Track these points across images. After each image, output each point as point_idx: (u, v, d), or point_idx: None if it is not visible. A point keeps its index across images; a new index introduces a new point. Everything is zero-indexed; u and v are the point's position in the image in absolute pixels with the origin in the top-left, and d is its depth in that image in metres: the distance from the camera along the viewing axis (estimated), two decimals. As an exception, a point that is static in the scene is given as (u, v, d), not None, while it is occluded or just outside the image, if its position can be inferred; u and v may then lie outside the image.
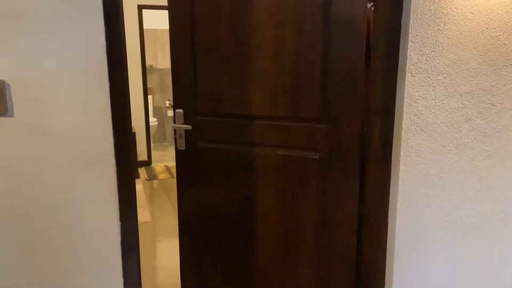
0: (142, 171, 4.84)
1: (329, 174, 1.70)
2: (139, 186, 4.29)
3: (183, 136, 1.89)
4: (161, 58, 6.50)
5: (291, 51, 1.69)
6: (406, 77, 1.46)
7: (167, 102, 6.50)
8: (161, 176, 4.65)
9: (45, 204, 1.44)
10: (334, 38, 1.59)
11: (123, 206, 1.52)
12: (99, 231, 1.50)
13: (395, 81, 1.51)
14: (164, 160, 5.49)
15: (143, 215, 3.52)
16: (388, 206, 1.60)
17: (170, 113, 6.51)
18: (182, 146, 1.90)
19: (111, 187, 1.47)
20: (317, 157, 1.72)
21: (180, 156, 1.94)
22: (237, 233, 1.92)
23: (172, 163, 5.23)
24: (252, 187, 1.85)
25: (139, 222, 3.35)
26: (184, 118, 1.87)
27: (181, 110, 1.87)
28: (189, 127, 1.87)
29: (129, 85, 1.52)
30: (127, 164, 1.52)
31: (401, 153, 1.52)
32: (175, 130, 1.90)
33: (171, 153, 5.93)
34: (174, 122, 1.89)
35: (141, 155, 5.05)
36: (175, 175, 4.47)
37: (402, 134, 1.50)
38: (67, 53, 1.37)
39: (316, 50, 1.63)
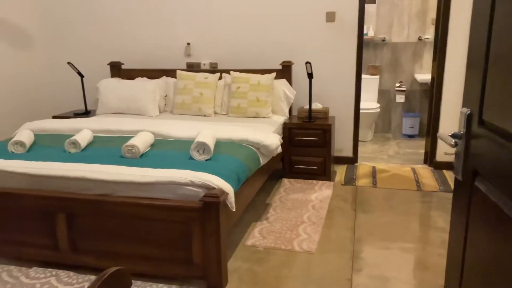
0: (341, 171, 3.93)
1: None
2: (327, 191, 3.42)
3: (462, 157, 1.22)
4: (397, 29, 5.25)
5: None
6: None
7: (397, 85, 5.26)
8: (360, 182, 3.63)
9: None
10: None
11: None
12: None
13: None
14: (376, 158, 4.38)
15: (310, 238, 2.65)
16: None
17: (399, 98, 5.26)
18: (457, 173, 1.28)
19: None
20: None
21: (456, 184, 1.35)
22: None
23: (384, 165, 4.09)
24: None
25: (299, 249, 2.53)
26: (467, 125, 1.19)
27: (467, 109, 1.21)
28: (451, 140, 1.22)
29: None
30: None
31: None
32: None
33: (388, 149, 4.75)
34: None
35: (345, 150, 4.13)
36: (378, 183, 3.39)
37: None
38: None
39: None
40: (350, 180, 3.67)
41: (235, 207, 2.19)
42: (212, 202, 2.03)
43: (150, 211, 2.13)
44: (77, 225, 2.25)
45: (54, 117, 4.12)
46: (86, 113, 4.20)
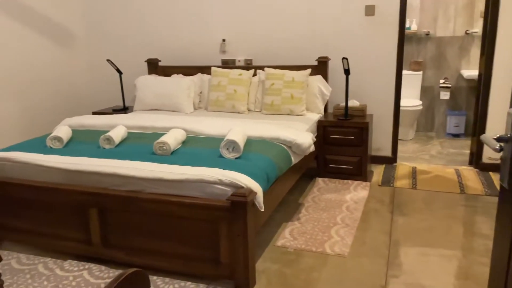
0: (378, 171, 3.78)
1: None
2: (363, 192, 3.30)
3: (508, 162, 1.12)
4: (442, 23, 4.99)
5: None
6: None
7: (442, 81, 5.00)
8: (398, 183, 3.47)
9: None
10: None
11: None
12: None
13: None
14: (417, 158, 4.18)
15: (343, 241, 2.55)
16: None
17: (444, 95, 4.99)
18: (503, 180, 1.18)
19: None
20: None
21: (501, 192, 1.26)
22: None
23: (425, 166, 3.89)
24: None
25: (331, 252, 2.43)
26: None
27: None
28: (495, 144, 1.12)
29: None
30: None
31: None
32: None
33: (431, 149, 4.53)
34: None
35: (383, 149, 3.96)
36: (418, 185, 3.23)
37: None
38: None
39: None
40: (388, 181, 3.52)
41: (263, 207, 2.13)
42: (239, 201, 1.99)
43: (178, 209, 2.12)
44: (109, 220, 2.28)
45: (93, 113, 4.24)
46: (124, 109, 4.28)
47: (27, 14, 3.96)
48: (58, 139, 2.73)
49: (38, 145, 2.75)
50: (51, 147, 2.71)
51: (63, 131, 2.81)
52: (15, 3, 3.82)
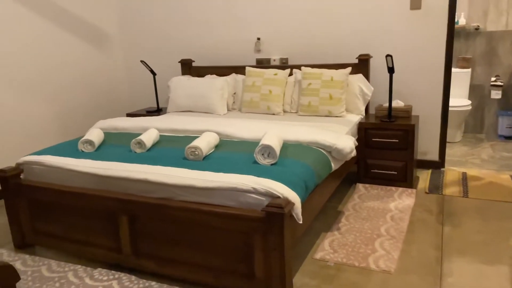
0: (424, 177, 3.50)
1: None
2: (408, 200, 3.05)
3: None
4: (493, 16, 4.62)
5: None
6: None
7: (493, 79, 4.63)
8: (448, 190, 3.19)
9: None
10: None
11: None
12: None
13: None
14: (467, 162, 3.87)
15: (388, 255, 2.34)
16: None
17: (495, 94, 4.62)
18: None
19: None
20: None
21: None
22: None
23: (476, 171, 3.59)
24: None
25: (375, 268, 2.22)
26: None
27: None
28: None
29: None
30: None
31: None
32: None
33: (481, 152, 4.18)
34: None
35: (430, 152, 3.68)
36: (469, 193, 2.95)
37: None
38: None
39: None
40: (435, 187, 3.25)
41: (301, 219, 1.96)
42: (275, 213, 1.83)
43: (210, 218, 1.98)
44: (139, 228, 2.18)
45: (127, 114, 4.20)
46: (158, 111, 4.22)
47: (62, 16, 3.96)
48: (90, 142, 2.67)
49: (70, 148, 2.70)
50: (82, 151, 2.65)
51: (95, 134, 2.74)
52: (50, 5, 3.83)
